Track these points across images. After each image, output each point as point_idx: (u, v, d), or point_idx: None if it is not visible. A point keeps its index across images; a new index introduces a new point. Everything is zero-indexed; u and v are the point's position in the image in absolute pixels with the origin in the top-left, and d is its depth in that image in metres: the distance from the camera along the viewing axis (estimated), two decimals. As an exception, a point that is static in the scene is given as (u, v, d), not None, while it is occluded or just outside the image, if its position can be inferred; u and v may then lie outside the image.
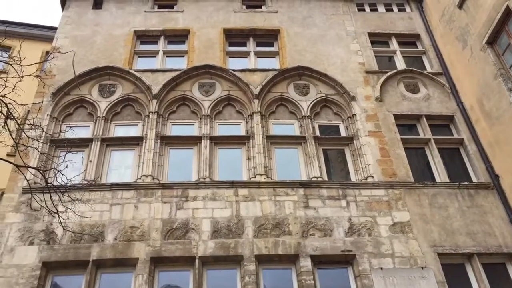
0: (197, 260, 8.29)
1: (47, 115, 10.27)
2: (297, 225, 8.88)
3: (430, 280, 8.24)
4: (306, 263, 8.39)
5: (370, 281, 8.21)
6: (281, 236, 8.71)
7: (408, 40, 13.19)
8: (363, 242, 8.72)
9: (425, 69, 12.28)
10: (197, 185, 9.32)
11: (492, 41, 10.17)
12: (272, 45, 12.86)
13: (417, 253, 8.61)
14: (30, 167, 6.89)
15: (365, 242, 8.72)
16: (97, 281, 8.19)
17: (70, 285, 8.19)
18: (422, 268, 8.39)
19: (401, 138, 10.45)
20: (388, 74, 11.70)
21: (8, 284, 7.79)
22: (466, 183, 9.77)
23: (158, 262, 8.35)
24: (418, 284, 8.18)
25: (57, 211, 6.54)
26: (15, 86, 6.10)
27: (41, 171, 6.60)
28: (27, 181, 7.51)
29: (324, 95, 11.29)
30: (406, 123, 11.02)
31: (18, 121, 6.17)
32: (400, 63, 12.42)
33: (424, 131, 10.86)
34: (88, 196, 8.81)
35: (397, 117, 10.88)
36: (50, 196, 6.71)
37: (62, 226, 6.88)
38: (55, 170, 6.56)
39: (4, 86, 6.12)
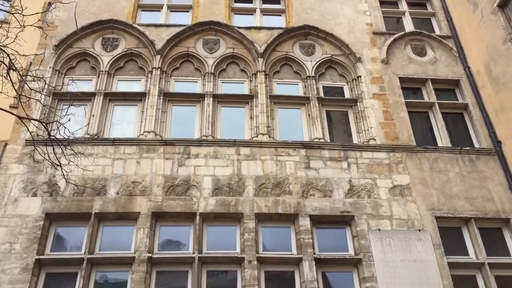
0: (197, 216, 8.42)
1: (50, 67, 10.18)
2: (297, 185, 8.95)
3: (426, 242, 8.39)
4: (305, 223, 8.51)
5: (367, 242, 8.35)
6: (281, 196, 8.80)
7: (418, 1, 12.88)
8: (362, 203, 8.82)
9: (434, 32, 12.05)
10: (199, 142, 9.35)
11: (503, 4, 9.92)
12: (278, 2, 12.57)
13: (415, 216, 8.72)
14: (33, 119, 6.88)
15: (364, 204, 8.81)
16: (99, 233, 8.35)
17: (73, 236, 8.35)
18: (419, 230, 8.52)
19: (405, 101, 10.38)
20: (396, 36, 11.49)
21: (12, 234, 7.95)
22: (468, 148, 9.77)
23: (159, 217, 8.48)
24: (414, 246, 8.34)
25: (60, 163, 6.58)
26: (16, 36, 6.02)
27: (43, 124, 6.60)
28: (30, 133, 7.55)
29: (329, 55, 11.13)
30: (411, 87, 10.92)
31: (21, 73, 6.12)
32: (408, 25, 12.19)
33: (428, 95, 10.77)
34: (90, 150, 8.84)
35: (402, 80, 10.76)
36: (53, 149, 6.73)
37: (64, 178, 6.95)
38: (57, 123, 6.56)
39: (6, 36, 6.04)
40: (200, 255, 8.06)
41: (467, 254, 8.62)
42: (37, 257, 7.76)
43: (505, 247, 8.78)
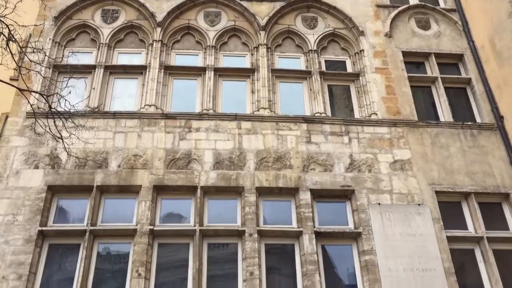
0: (198, 190, 8.46)
1: (49, 39, 10.08)
2: (298, 159, 8.97)
3: (425, 216, 8.45)
4: (305, 196, 8.56)
5: (367, 216, 8.41)
6: (282, 170, 8.83)
7: (423, -27, 12.66)
8: (362, 178, 8.85)
9: (438, 5, 11.86)
10: (200, 116, 9.33)
11: (509, -23, 9.76)
12: (281, -26, 12.35)
13: (415, 191, 8.76)
14: (33, 91, 6.88)
15: (365, 178, 8.84)
16: (101, 206, 8.42)
17: (75, 208, 8.43)
18: (419, 205, 8.57)
19: (408, 76, 10.29)
20: (400, 8, 11.32)
21: (14, 205, 8.02)
22: (469, 123, 9.74)
23: (160, 190, 8.53)
24: (414, 220, 8.40)
25: (61, 136, 6.59)
26: (15, 7, 5.94)
27: (44, 96, 6.59)
28: (31, 105, 7.52)
29: (332, 29, 11.00)
30: (414, 61, 10.81)
31: (20, 44, 6.07)
32: (413, -3, 12.01)
33: (432, 69, 10.68)
34: (91, 123, 8.83)
35: (405, 54, 10.65)
36: (54, 121, 6.73)
37: (66, 151, 6.97)
38: (58, 95, 6.54)
39: (4, 7, 5.96)
40: (201, 227, 8.14)
41: (466, 228, 8.68)
42: (40, 228, 7.84)
43: (504, 221, 8.84)
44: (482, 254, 8.36)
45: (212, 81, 9.90)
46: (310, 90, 10.11)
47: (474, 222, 8.66)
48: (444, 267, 7.95)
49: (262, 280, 7.80)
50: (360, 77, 10.34)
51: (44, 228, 7.91)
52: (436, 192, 8.77)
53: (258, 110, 9.56)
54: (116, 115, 9.17)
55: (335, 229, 8.41)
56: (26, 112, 8.92)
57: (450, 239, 8.31)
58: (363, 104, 9.98)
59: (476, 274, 8.29)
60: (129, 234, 8.06)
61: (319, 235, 8.26)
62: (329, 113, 9.86)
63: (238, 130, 9.24)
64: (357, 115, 9.96)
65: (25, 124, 8.87)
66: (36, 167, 8.45)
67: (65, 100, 6.49)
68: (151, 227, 8.03)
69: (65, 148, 6.93)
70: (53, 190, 8.34)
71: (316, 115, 9.64)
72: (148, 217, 8.11)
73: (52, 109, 6.46)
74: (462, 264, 8.36)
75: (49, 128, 6.73)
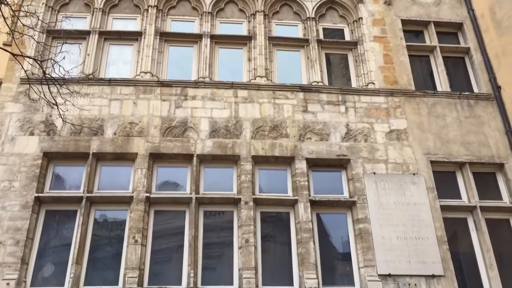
0: (194, 158, 8.47)
1: (42, 3, 9.83)
2: (294, 128, 8.96)
3: (420, 186, 8.52)
4: (301, 165, 8.59)
5: (362, 185, 8.47)
6: (278, 139, 8.83)
7: None
8: (358, 147, 8.87)
9: (439, -28, 11.66)
10: (196, 84, 9.25)
11: None
12: None
13: (410, 160, 8.80)
14: (27, 56, 6.75)
15: (361, 148, 8.86)
16: (98, 173, 8.43)
17: (72, 175, 8.43)
18: (413, 174, 8.63)
19: (406, 45, 10.17)
20: (400, -24, 11.12)
21: (10, 172, 8.01)
22: (467, 93, 9.72)
23: (156, 158, 8.53)
24: (409, 189, 8.47)
25: (56, 102, 6.53)
26: (7, -31, 5.79)
27: (38, 61, 6.49)
28: (25, 71, 7.42)
29: (330, -5, 10.82)
30: (413, 29, 10.67)
31: (13, 7, 5.94)
32: (413, -36, 11.76)
33: (430, 38, 10.56)
34: (86, 90, 8.73)
35: (404, 22, 10.50)
36: (49, 88, 6.66)
37: (61, 117, 6.92)
38: (52, 60, 6.44)
39: (-5, -31, 5.81)
40: (197, 195, 8.18)
41: (459, 197, 8.78)
42: (36, 194, 7.86)
43: (498, 191, 8.93)
44: (475, 223, 8.48)
45: (208, 49, 9.77)
46: (308, 58, 10.01)
47: (468, 192, 8.75)
48: (437, 235, 8.07)
49: (257, 247, 7.90)
50: (358, 46, 10.23)
51: (40, 195, 7.94)
52: (431, 162, 8.82)
53: (255, 79, 9.49)
54: (111, 82, 9.07)
55: (330, 198, 8.48)
56: (20, 78, 8.81)
57: (444, 208, 8.41)
58: (361, 73, 9.91)
59: (468, 243, 8.43)
60: (126, 201, 8.11)
61: (314, 204, 8.33)
62: (326, 82, 9.79)
63: (234, 98, 9.18)
64: (354, 84, 9.90)
65: (19, 90, 8.77)
66: (32, 133, 8.41)
67: (59, 66, 6.40)
68: (148, 194, 8.07)
69: (60, 114, 6.88)
70: (49, 157, 8.33)
71: (313, 84, 9.57)
72: (144, 184, 8.14)
73: (47, 75, 6.38)
74: (455, 233, 8.49)
75: (44, 94, 6.67)
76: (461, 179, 8.92)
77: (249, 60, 9.86)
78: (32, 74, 8.59)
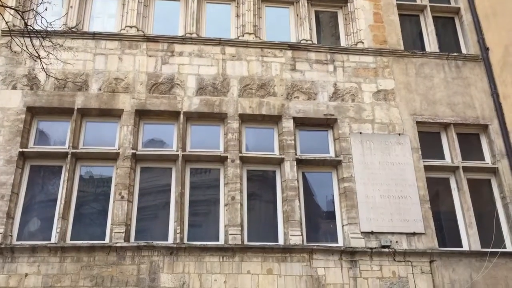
0: (181, 115, 8.41)
1: (22, -50, 9.46)
2: (282, 87, 8.90)
3: (405, 146, 8.62)
4: (288, 124, 8.59)
5: (348, 144, 8.54)
6: (266, 97, 8.78)
7: None
8: (345, 107, 8.87)
9: None
10: (183, 40, 9.07)
11: None
12: None
13: (397, 120, 8.86)
14: (8, 6, 6.49)
15: (348, 107, 8.87)
16: (83, 129, 8.34)
17: (56, 131, 8.34)
18: (399, 134, 8.71)
19: (396, 3, 10.04)
20: None
21: (-7, 126, 7.89)
22: (455, 54, 9.71)
23: (143, 114, 8.46)
24: (394, 149, 8.56)
25: (39, 55, 6.35)
26: None
27: (19, 12, 6.27)
28: (6, 22, 7.20)
29: (321, -49, 10.52)
30: (404, -12, 10.53)
31: (-10, -46, 5.68)
32: None
33: (421, -3, 10.45)
34: (70, 43, 8.51)
35: (395, -21, 10.33)
36: (31, 40, 6.46)
37: (44, 71, 6.74)
38: (34, 11, 6.23)
39: None
40: (184, 153, 8.18)
41: (443, 158, 8.92)
42: (20, 149, 7.78)
43: (481, 152, 9.09)
44: (457, 183, 8.66)
45: (195, 3, 9.52)
46: (297, 16, 9.85)
47: (451, 152, 8.88)
48: (420, 194, 8.24)
49: (243, 205, 8.00)
50: (348, 3, 10.06)
51: (25, 150, 7.86)
52: (417, 122, 8.89)
53: (243, 36, 9.33)
54: (95, 36, 8.84)
55: (316, 157, 8.55)
56: (1, 30, 8.49)
57: (427, 168, 8.55)
58: (350, 32, 9.80)
59: (449, 202, 8.65)
60: (112, 157, 8.08)
61: (300, 163, 8.40)
62: (315, 41, 9.69)
63: (222, 55, 9.05)
64: (343, 43, 9.81)
65: (1, 42, 8.49)
66: (14, 87, 8.22)
67: (41, 17, 6.19)
68: (134, 151, 8.05)
69: (43, 68, 6.70)
70: (33, 112, 8.19)
71: (302, 42, 9.46)
72: (130, 141, 8.09)
73: (29, 26, 6.17)
74: (437, 192, 8.67)
75: (26, 47, 6.47)
76: (446, 139, 9.03)
77: (237, 16, 9.66)
78: (14, 26, 8.33)
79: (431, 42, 9.96)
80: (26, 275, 6.95)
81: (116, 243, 7.28)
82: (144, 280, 7.11)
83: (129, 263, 7.21)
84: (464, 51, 10.01)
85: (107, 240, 7.50)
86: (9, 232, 7.32)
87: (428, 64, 9.49)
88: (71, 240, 7.49)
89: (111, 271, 7.11)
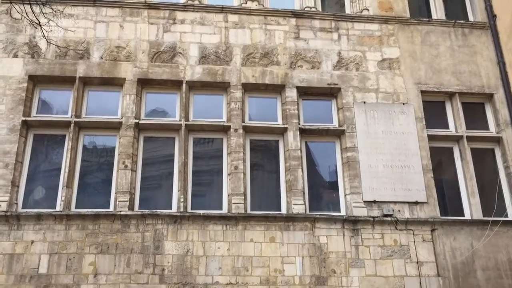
0: (184, 84, 8.35)
1: None
2: (286, 55, 8.80)
3: (409, 115, 8.56)
4: (291, 94, 8.53)
5: (352, 114, 8.50)
6: (269, 66, 8.69)
7: None
8: (349, 76, 8.78)
9: None
10: (185, 7, 8.92)
11: None
12: None
13: (401, 90, 8.77)
14: (6, -28, 6.39)
15: (352, 77, 8.78)
16: (85, 98, 8.30)
17: (59, 100, 8.30)
18: (403, 104, 8.64)
19: (404, -32, 9.84)
20: None
21: (-5, 95, 7.87)
22: (462, 21, 9.54)
23: (145, 83, 8.40)
24: (397, 118, 8.52)
25: (39, 22, 6.27)
26: None
27: (18, -23, 6.15)
28: (5, -12, 7.08)
29: None
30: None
31: None
32: None
33: (429, -38, 10.19)
34: (70, 10, 8.39)
35: None
36: (31, 7, 6.38)
37: (45, 38, 6.67)
38: (33, -23, 6.11)
39: None
40: (186, 122, 8.16)
41: (447, 127, 8.87)
42: (23, 118, 7.76)
43: (485, 121, 9.02)
44: (460, 152, 8.63)
45: (197, -30, 9.33)
46: (301, -18, 9.65)
47: (455, 122, 8.82)
48: (422, 164, 8.23)
49: (246, 174, 8.01)
50: (354, -30, 9.83)
51: (27, 118, 7.85)
52: (422, 91, 8.81)
53: (246, 3, 9.16)
54: (96, 2, 8.69)
55: (320, 127, 8.51)
56: (0, -3, 8.41)
57: (431, 138, 8.52)
58: (355, -1, 9.62)
59: (452, 171, 8.64)
60: (114, 127, 8.07)
61: (303, 132, 8.38)
62: (319, 8, 9.52)
63: (224, 23, 8.92)
64: (348, 10, 9.63)
65: (0, 10, 8.37)
66: (15, 55, 8.14)
67: (41, -17, 6.09)
68: (136, 120, 8.03)
69: (44, 35, 6.62)
70: (35, 80, 8.14)
71: (305, 9, 9.30)
72: (133, 110, 8.07)
73: (28, -8, 6.07)
74: (440, 162, 8.67)
75: (26, 14, 6.38)
76: (450, 109, 8.96)
77: (240, -18, 9.48)
78: (13, -8, 8.20)
79: (437, 9, 9.79)
80: (32, 242, 7.05)
81: (121, 211, 7.35)
82: (148, 248, 7.20)
83: (134, 231, 7.30)
84: (471, 18, 9.83)
85: (111, 208, 7.56)
86: (14, 200, 7.38)
87: (434, 32, 9.34)
88: (76, 208, 7.56)
89: (115, 239, 7.21)
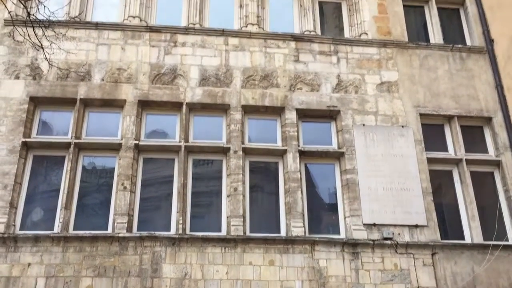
0: (184, 106, 8.39)
1: None
2: (285, 78, 8.87)
3: (408, 138, 8.59)
4: (291, 116, 8.57)
5: (351, 136, 8.51)
6: (269, 88, 8.75)
7: None
8: (349, 99, 8.84)
9: None
10: (186, 30, 9.03)
11: None
12: None
13: (400, 112, 8.81)
14: (10, -4, 6.49)
15: (351, 99, 8.84)
16: (86, 119, 8.33)
17: (59, 121, 8.33)
18: (402, 126, 8.67)
19: (401, -6, 9.99)
20: None
21: (-4, 116, 7.88)
22: (459, 46, 9.64)
23: (145, 105, 8.44)
24: (397, 141, 8.53)
25: (41, 45, 6.34)
26: None
27: (22, 1, 6.24)
28: (9, 12, 7.16)
29: None
30: (408, -21, 10.45)
31: None
32: None
33: (426, -11, 10.35)
34: (72, 33, 8.49)
35: (400, -29, 10.25)
36: (34, 30, 6.44)
37: (47, 60, 6.73)
38: (36, 1, 6.19)
39: None
40: (186, 143, 8.17)
41: (446, 150, 8.88)
42: (23, 139, 7.78)
43: (484, 145, 9.04)
44: (460, 175, 8.63)
45: (198, -7, 9.48)
46: (301, 6, 9.79)
47: (454, 145, 8.84)
48: (422, 187, 8.22)
49: (245, 196, 7.99)
50: (352, -6, 9.99)
51: (28, 140, 7.86)
52: (421, 114, 8.84)
53: (246, 26, 9.28)
54: (98, 26, 8.80)
55: (319, 149, 8.53)
56: (4, 20, 8.47)
57: (430, 161, 8.52)
58: (354, 23, 9.74)
59: (452, 194, 8.61)
60: (114, 148, 8.08)
61: (303, 154, 8.38)
62: (318, 32, 9.64)
63: (225, 46, 9.01)
64: (347, 34, 9.75)
65: (3, 32, 8.46)
66: (17, 77, 8.20)
67: (44, 6, 6.17)
68: (136, 141, 8.04)
69: (46, 57, 6.68)
70: (36, 102, 8.18)
71: (305, 33, 9.41)
72: (133, 131, 8.08)
73: (31, 16, 6.15)
74: (439, 185, 8.65)
75: (29, 36, 6.45)
76: (449, 132, 8.99)
77: (241, 6, 9.61)
78: (16, 15, 8.32)
79: (435, 34, 9.89)
80: (29, 264, 6.97)
81: (119, 233, 7.30)
82: (146, 271, 7.13)
83: (132, 253, 7.23)
84: (468, 42, 9.93)
85: (109, 230, 7.51)
86: (12, 222, 7.34)
87: (432, 55, 9.43)
88: (73, 230, 7.51)
89: (113, 261, 7.13)
